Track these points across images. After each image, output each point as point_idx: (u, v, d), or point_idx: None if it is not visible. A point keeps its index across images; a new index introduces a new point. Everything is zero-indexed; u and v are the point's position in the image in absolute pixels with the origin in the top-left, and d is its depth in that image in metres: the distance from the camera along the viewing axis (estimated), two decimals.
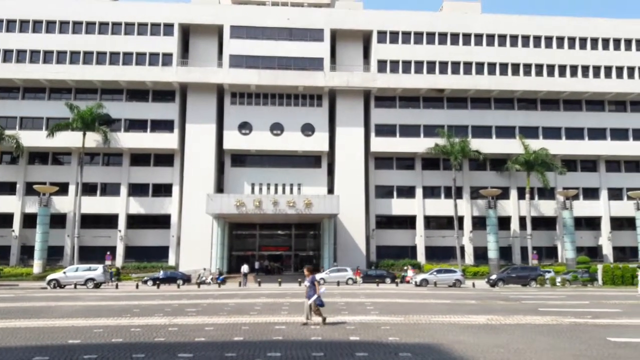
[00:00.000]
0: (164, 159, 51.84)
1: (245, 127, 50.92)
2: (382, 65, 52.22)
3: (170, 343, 11.84)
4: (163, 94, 51.75)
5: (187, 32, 52.68)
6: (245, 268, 41.78)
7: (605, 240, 54.25)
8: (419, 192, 53.24)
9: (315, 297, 14.48)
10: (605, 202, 54.68)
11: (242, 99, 51.77)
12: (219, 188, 51.41)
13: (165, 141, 50.58)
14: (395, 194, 53.31)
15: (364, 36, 53.57)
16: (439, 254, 51.89)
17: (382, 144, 52.24)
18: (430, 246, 52.24)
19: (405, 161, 54.31)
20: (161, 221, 50.75)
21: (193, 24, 51.75)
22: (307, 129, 51.19)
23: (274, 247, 52.88)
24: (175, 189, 50.82)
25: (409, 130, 52.77)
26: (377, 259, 50.58)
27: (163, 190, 51.39)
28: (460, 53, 52.65)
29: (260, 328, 14.10)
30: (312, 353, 10.44)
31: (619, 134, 54.57)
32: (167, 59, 50.57)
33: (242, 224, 51.39)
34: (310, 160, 52.55)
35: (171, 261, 49.39)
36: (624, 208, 54.26)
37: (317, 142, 51.05)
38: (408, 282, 41.81)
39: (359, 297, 25.60)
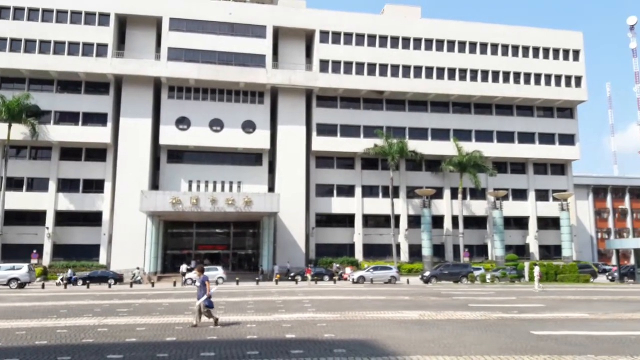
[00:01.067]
0: (96, 153, 49.76)
1: (183, 122, 49.74)
2: (324, 65, 52.54)
3: (99, 344, 11.38)
4: (96, 86, 49.64)
5: (123, 23, 50.77)
6: (184, 267, 40.95)
7: (532, 239, 57.20)
8: (358, 191, 54.04)
9: (204, 297, 14.02)
10: (532, 203, 57.65)
11: (180, 93, 50.53)
12: (154, 185, 49.96)
13: (98, 135, 48.55)
14: (335, 192, 53.82)
15: (307, 35, 53.67)
16: (376, 252, 52.89)
17: (323, 143, 52.58)
18: (368, 244, 53.16)
19: (345, 160, 54.93)
20: (92, 218, 48.70)
21: (130, 15, 49.92)
22: (248, 126, 50.71)
23: (212, 246, 51.95)
24: (108, 185, 48.90)
25: (350, 130, 53.43)
26: (316, 257, 50.87)
27: (94, 186, 49.31)
28: (399, 56, 53.85)
29: (194, 328, 13.82)
30: (247, 352, 10.35)
31: (546, 139, 57.66)
32: (101, 49, 48.53)
33: (178, 222, 50.14)
34: (250, 157, 52.12)
35: (102, 260, 47.50)
36: (549, 209, 57.45)
37: (258, 140, 50.67)
38: (346, 279, 42.34)
39: (297, 294, 25.67)
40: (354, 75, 52.75)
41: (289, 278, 42.24)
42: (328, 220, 53.66)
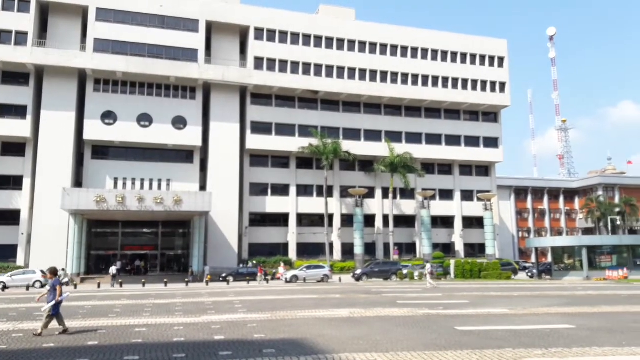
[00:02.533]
0: (14, 148, 46.64)
1: (109, 117, 47.63)
2: (258, 62, 52.08)
3: (13, 351, 10.62)
4: (15, 76, 46.52)
5: (46, 11, 47.88)
6: (113, 269, 39.32)
7: (458, 238, 59.55)
8: (292, 190, 54.03)
9: (52, 303, 12.71)
10: (458, 203, 60.02)
11: (107, 86, 48.35)
12: (78, 182, 47.50)
13: (16, 128, 45.49)
14: (269, 191, 53.49)
15: (241, 31, 52.98)
16: (310, 251, 53.11)
17: (257, 142, 52.10)
18: (302, 243, 53.27)
19: (280, 159, 54.74)
20: (9, 217, 45.61)
21: (53, 2, 47.12)
22: (179, 122, 49.34)
23: (139, 247, 50.03)
24: (27, 182, 45.95)
25: (285, 129, 53.30)
26: (249, 257, 50.33)
27: (12, 182, 46.19)
28: (334, 57, 54.36)
29: (119, 331, 13.26)
30: (174, 355, 10.02)
31: (472, 141, 60.21)
32: (21, 38, 45.54)
33: (103, 222, 47.91)
34: (181, 155, 50.74)
35: (20, 261, 44.58)
36: (474, 208, 60.05)
37: (190, 136, 49.41)
38: (279, 278, 42.22)
39: (228, 295, 25.28)
40: (289, 74, 52.67)
41: (220, 279, 41.51)
42: (262, 219, 53.28)
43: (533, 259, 52.95)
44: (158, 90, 49.67)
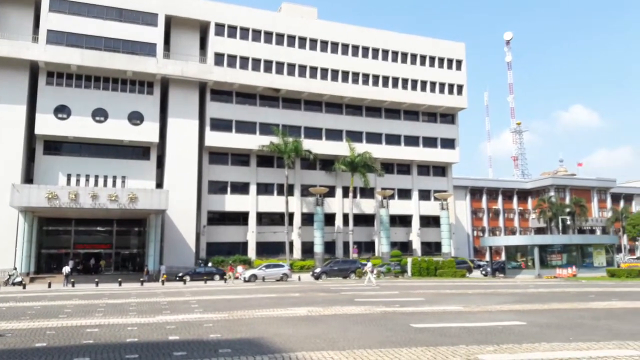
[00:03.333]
0: None
1: (62, 111, 46.01)
2: (219, 58, 51.41)
3: None
4: None
5: None
6: (66, 268, 38.02)
7: (415, 236, 60.55)
8: (253, 188, 53.63)
9: None
10: (416, 202, 61.02)
11: (60, 79, 46.70)
12: (28, 178, 45.64)
13: None
14: (229, 189, 52.93)
15: (202, 27, 52.16)
16: (270, 250, 52.85)
17: (217, 139, 51.44)
18: (262, 242, 52.96)
19: (240, 157, 54.24)
20: None
21: None
22: (135, 118, 48.14)
23: (92, 245, 48.55)
24: None
25: (245, 127, 52.83)
26: (207, 256, 49.65)
27: None
28: (296, 55, 54.25)
29: (69, 332, 12.85)
30: (126, 355, 9.79)
31: (430, 142, 61.32)
32: None
33: (55, 219, 46.19)
34: (137, 151, 49.52)
35: None
36: (431, 208, 61.17)
37: (146, 132, 48.28)
38: (237, 278, 41.82)
39: (185, 295, 24.89)
40: (250, 71, 52.22)
41: (177, 278, 40.77)
42: (221, 218, 52.66)
43: (487, 257, 54.35)
44: (114, 84, 48.34)
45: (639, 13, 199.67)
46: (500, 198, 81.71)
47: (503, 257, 54.42)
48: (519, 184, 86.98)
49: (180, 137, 49.77)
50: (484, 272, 48.33)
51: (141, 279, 38.11)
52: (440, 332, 12.07)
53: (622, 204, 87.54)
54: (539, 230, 78.65)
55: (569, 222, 75.35)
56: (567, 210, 76.08)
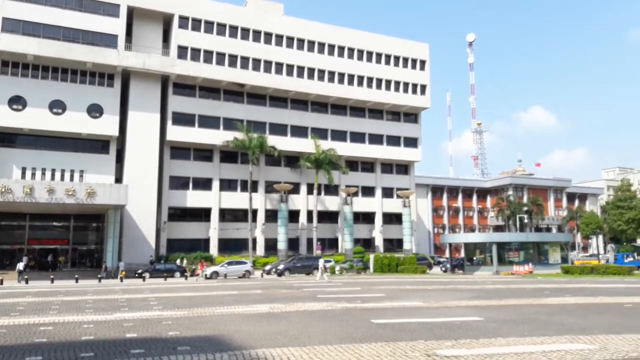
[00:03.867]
0: None
1: (17, 102, 44.35)
2: (182, 51, 50.52)
3: None
4: None
5: None
6: (20, 265, 36.64)
7: (378, 233, 61.18)
8: (215, 184, 53.02)
9: None
10: (379, 200, 61.64)
11: (15, 69, 44.99)
12: None
13: None
14: (191, 185, 52.18)
15: (165, 19, 51.14)
16: (232, 246, 52.42)
17: (179, 133, 50.60)
18: (224, 238, 52.45)
19: (203, 152, 53.52)
20: None
21: None
22: (95, 110, 46.82)
23: (48, 241, 47.04)
24: None
25: (209, 122, 52.15)
26: (168, 253, 48.83)
27: None
28: (261, 51, 53.84)
29: (21, 330, 12.40)
30: (81, 354, 9.50)
31: (393, 141, 62.00)
32: None
33: (8, 214, 44.50)
34: (96, 145, 48.17)
35: None
36: (393, 205, 61.92)
37: (106, 126, 47.04)
38: (198, 275, 41.31)
39: (144, 292, 24.40)
40: (214, 65, 51.53)
41: (136, 275, 39.92)
42: (182, 214, 51.87)
43: (447, 254, 55.44)
44: (73, 76, 46.90)
45: (597, 17, 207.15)
46: (460, 196, 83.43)
47: (462, 254, 55.63)
48: (478, 182, 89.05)
49: (141, 131, 48.71)
50: (443, 269, 49.29)
51: (99, 276, 37.11)
52: (400, 328, 12.22)
53: (576, 203, 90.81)
54: (498, 228, 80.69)
55: (526, 221, 77.59)
56: (525, 208, 78.31)
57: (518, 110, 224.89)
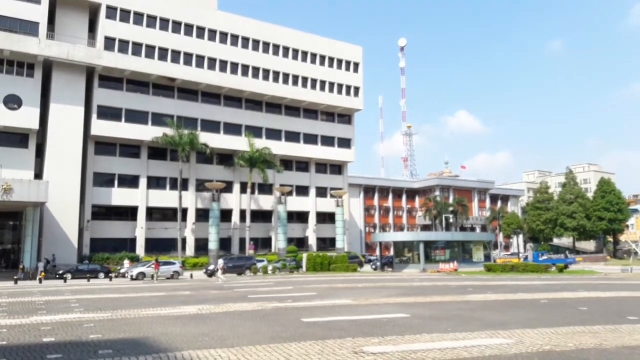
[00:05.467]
0: None
1: None
2: (109, 43, 48.38)
3: None
4: None
5: None
6: None
7: (311, 232, 61.54)
8: (143, 182, 51.20)
9: None
10: (313, 199, 62.01)
11: None
12: None
13: None
14: (116, 182, 50.07)
15: (91, 8, 48.73)
16: (160, 246, 50.84)
17: (105, 128, 48.42)
18: (152, 238, 50.78)
19: (130, 148, 51.52)
20: None
21: None
22: (12, 102, 43.83)
23: None
24: None
25: (136, 117, 50.27)
26: (91, 253, 46.59)
27: None
28: (194, 45, 52.58)
29: None
30: None
31: (327, 141, 62.58)
32: None
33: None
34: (14, 138, 45.08)
35: None
36: (327, 205, 62.50)
37: (25, 118, 44.14)
38: (124, 276, 39.76)
39: (64, 294, 23.16)
40: (143, 58, 49.74)
41: (56, 276, 37.83)
42: (107, 212, 49.71)
43: (377, 252, 56.61)
44: None
45: (522, 24, 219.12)
46: (390, 196, 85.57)
47: (392, 252, 57.04)
48: (408, 183, 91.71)
49: (64, 125, 46.16)
50: (373, 267, 50.31)
51: (15, 277, 34.83)
52: (330, 326, 12.32)
53: (499, 204, 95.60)
54: (425, 227, 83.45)
55: (451, 220, 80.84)
56: (451, 209, 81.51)
57: (445, 114, 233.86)
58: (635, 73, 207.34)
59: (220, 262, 34.25)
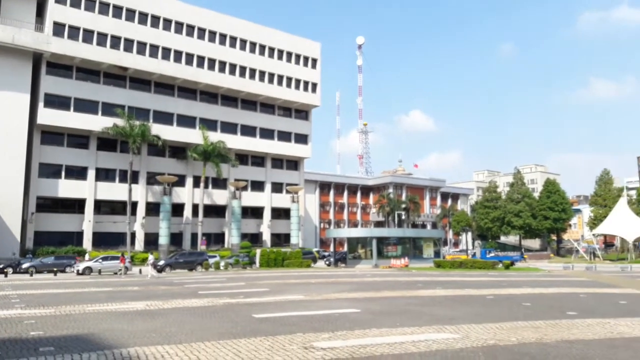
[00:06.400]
0: None
1: None
2: (59, 29, 46.50)
3: None
4: None
5: None
6: None
7: (266, 228, 61.25)
8: (91, 173, 49.58)
9: None
10: (268, 194, 61.70)
11: None
12: None
13: None
14: (63, 174, 48.30)
15: None
16: (109, 240, 49.42)
17: (52, 117, 46.56)
18: (100, 232, 49.32)
19: (78, 139, 49.78)
20: None
21: None
22: None
23: None
24: None
25: (86, 106, 48.61)
26: (35, 247, 44.78)
27: None
28: (148, 34, 51.25)
29: None
30: None
31: (284, 136, 62.37)
32: None
33: None
34: None
35: None
36: (282, 200, 62.34)
37: None
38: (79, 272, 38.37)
39: (5, 289, 22.15)
40: (94, 46, 48.09)
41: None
42: (53, 205, 47.88)
43: (332, 248, 56.94)
44: None
45: (476, 26, 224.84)
46: (346, 193, 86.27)
47: (346, 248, 57.51)
48: (362, 180, 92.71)
49: (7, 112, 44.07)
50: (327, 263, 50.58)
51: None
52: (281, 322, 12.28)
53: (449, 202, 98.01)
54: (379, 224, 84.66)
55: (404, 217, 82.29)
56: (403, 206, 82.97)
57: (400, 113, 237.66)
58: (581, 78, 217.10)
59: (151, 257, 33.58)
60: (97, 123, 48.45)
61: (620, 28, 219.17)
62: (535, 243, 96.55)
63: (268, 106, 61.74)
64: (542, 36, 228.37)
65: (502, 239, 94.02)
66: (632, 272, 37.50)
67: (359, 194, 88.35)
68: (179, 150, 55.14)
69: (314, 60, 64.29)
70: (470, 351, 8.94)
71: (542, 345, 9.43)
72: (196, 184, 55.42)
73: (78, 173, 49.13)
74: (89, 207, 48.97)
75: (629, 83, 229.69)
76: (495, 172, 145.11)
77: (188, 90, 55.49)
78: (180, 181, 54.43)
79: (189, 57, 53.91)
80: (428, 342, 9.68)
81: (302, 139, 64.03)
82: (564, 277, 32.03)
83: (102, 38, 48.61)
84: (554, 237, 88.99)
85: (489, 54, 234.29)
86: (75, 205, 48.81)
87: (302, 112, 64.90)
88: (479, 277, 30.94)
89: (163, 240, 49.81)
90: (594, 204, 78.54)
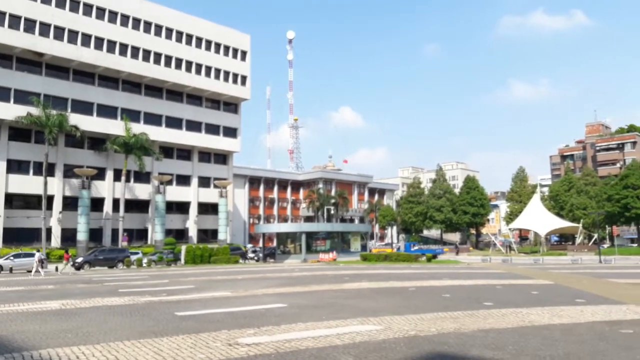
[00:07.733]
0: None
1: None
2: None
3: None
4: None
5: None
6: None
7: (192, 223, 59.86)
8: (2, 165, 46.39)
9: None
10: (195, 189, 60.31)
11: None
12: None
13: None
14: None
15: None
16: (22, 237, 46.46)
17: None
18: (12, 227, 46.23)
19: None
20: None
21: None
22: None
23: None
24: None
25: None
26: None
27: None
28: (66, 19, 48.43)
29: None
30: None
31: (212, 129, 61.18)
32: None
33: None
34: None
35: None
36: (210, 195, 61.17)
37: None
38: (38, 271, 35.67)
39: None
40: (6, 29, 44.88)
41: None
42: None
43: (261, 243, 56.69)
44: None
45: (402, 26, 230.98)
46: (276, 188, 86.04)
47: (275, 243, 57.46)
48: (293, 175, 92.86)
49: None
50: (256, 258, 50.32)
51: None
52: (205, 319, 12.04)
53: (376, 197, 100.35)
54: (308, 219, 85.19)
55: (333, 212, 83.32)
56: (333, 201, 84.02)
57: (330, 109, 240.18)
58: (501, 79, 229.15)
59: (37, 255, 31.99)
60: (9, 111, 45.27)
61: (534, 33, 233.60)
62: (455, 237, 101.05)
63: (195, 98, 60.27)
64: (465, 38, 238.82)
65: (425, 232, 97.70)
66: (543, 264, 40.20)
67: (289, 189, 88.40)
68: (99, 142, 52.62)
69: (244, 53, 63.46)
70: (393, 342, 9.18)
71: (460, 335, 9.84)
72: (117, 177, 53.13)
73: None
74: (0, 202, 45.67)
75: (543, 85, 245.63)
76: (419, 168, 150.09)
77: (109, 79, 53.02)
78: (100, 174, 51.99)
79: (111, 45, 51.49)
80: (352, 335, 9.84)
81: (231, 132, 63.08)
82: (482, 269, 33.71)
83: (15, 20, 45.37)
84: (473, 231, 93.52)
85: (415, 53, 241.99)
86: None
87: (232, 105, 63.92)
88: (403, 269, 31.92)
89: (82, 236, 47.41)
90: (510, 200, 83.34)
